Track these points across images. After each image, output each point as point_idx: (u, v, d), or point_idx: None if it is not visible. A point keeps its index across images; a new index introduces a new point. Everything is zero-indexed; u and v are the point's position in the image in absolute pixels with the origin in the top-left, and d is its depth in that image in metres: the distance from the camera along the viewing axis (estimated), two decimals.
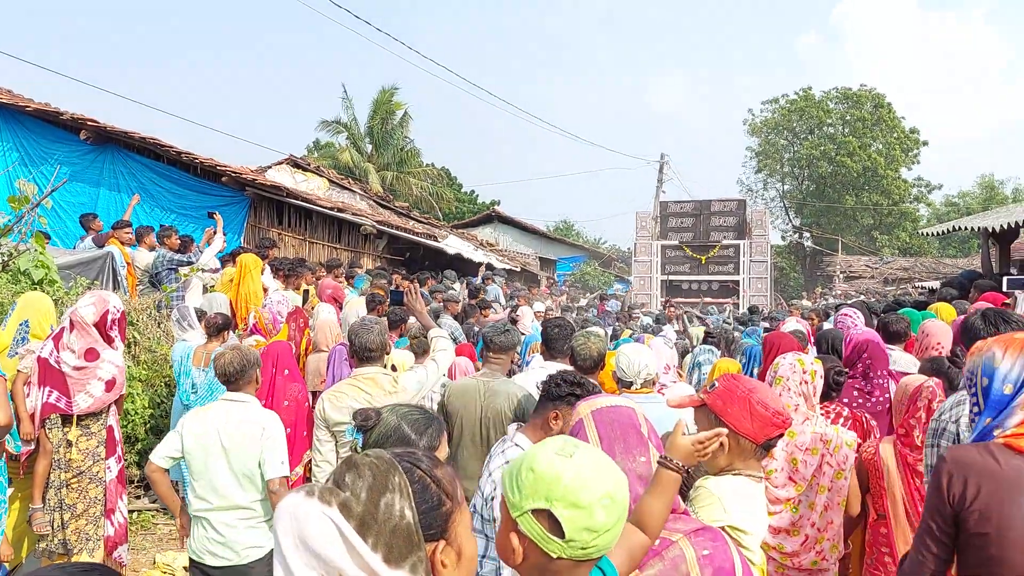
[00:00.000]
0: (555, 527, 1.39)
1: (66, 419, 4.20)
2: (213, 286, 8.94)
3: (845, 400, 4.57)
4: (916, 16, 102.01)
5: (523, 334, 10.21)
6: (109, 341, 4.35)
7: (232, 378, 3.81)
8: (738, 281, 27.17)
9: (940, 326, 5.27)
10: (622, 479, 1.47)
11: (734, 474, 2.21)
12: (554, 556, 1.40)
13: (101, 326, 4.31)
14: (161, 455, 3.76)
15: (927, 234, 22.95)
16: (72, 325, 4.25)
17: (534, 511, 1.40)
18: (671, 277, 28.00)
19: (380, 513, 1.24)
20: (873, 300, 13.46)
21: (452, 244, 19.65)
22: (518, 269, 23.85)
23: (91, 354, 4.23)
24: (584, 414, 1.96)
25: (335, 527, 1.20)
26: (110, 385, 4.28)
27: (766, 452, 2.33)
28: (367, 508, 1.24)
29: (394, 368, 4.83)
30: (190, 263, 8.86)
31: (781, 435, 2.33)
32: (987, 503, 2.04)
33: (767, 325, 11.50)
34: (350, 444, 2.26)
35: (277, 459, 3.70)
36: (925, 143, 46.26)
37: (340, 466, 1.31)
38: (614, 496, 1.43)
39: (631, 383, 3.85)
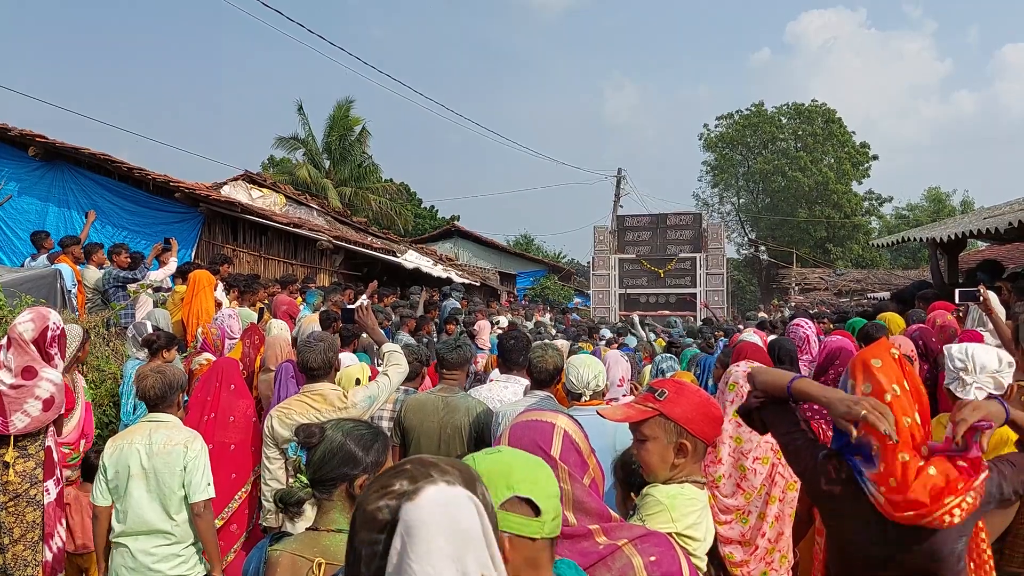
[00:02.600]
0: (528, 508, 1.45)
1: (2, 440, 4.04)
2: (164, 303, 8.78)
3: (813, 408, 4.60)
4: (865, 33, 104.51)
5: (480, 348, 10.22)
6: (48, 359, 4.18)
7: (153, 402, 3.77)
8: (695, 294, 27.46)
9: (903, 337, 5.44)
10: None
11: (679, 482, 2.21)
12: (536, 538, 1.45)
13: (40, 343, 4.15)
14: (97, 493, 3.71)
15: (878, 246, 23.46)
16: (9, 342, 4.10)
17: (502, 505, 1.43)
18: (629, 290, 28.21)
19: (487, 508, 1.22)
20: (816, 311, 13.68)
21: (411, 259, 19.56)
22: (478, 284, 23.82)
23: (29, 372, 4.05)
24: (504, 427, 1.95)
25: (476, 514, 1.15)
26: (48, 404, 4.10)
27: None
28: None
29: (358, 382, 4.77)
30: (135, 280, 8.69)
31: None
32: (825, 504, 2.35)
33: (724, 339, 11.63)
34: (292, 462, 2.21)
35: (203, 481, 3.67)
36: (875, 157, 47.33)
37: (415, 465, 1.21)
38: (543, 463, 1.56)
39: (580, 395, 3.84)
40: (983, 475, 2.09)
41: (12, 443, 4.04)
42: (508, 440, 1.84)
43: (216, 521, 4.27)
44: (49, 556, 4.17)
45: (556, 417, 1.90)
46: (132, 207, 12.74)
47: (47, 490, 4.17)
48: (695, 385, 2.41)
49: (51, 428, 4.27)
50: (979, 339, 4.98)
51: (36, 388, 4.08)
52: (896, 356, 2.24)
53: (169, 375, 3.83)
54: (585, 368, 3.76)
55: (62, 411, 4.37)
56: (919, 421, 2.17)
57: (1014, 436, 2.90)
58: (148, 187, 12.81)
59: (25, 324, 4.14)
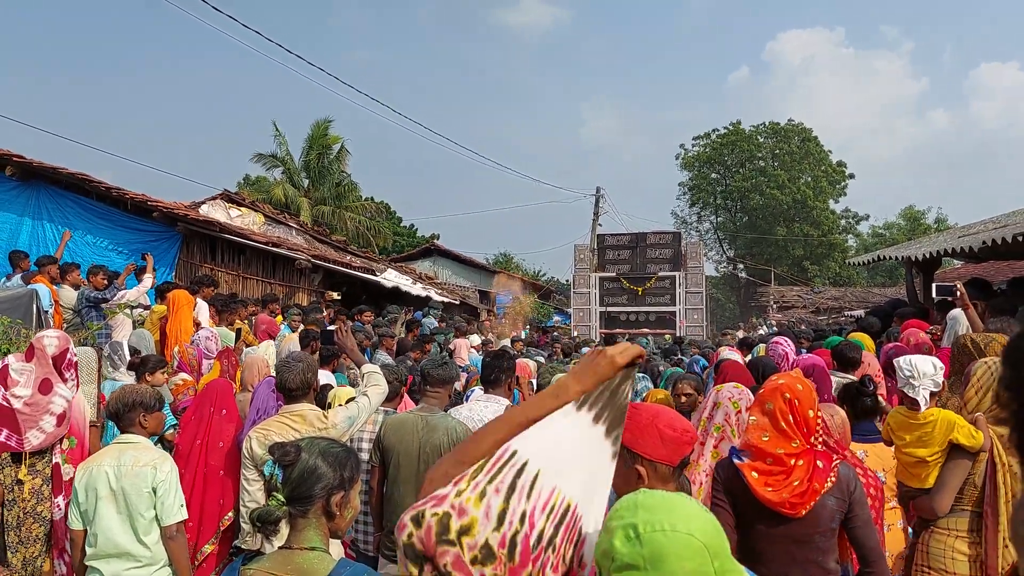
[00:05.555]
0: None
1: (15, 457, 4.06)
2: (143, 323, 8.71)
3: None
4: (843, 53, 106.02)
5: (459, 366, 10.19)
6: (62, 379, 4.27)
7: (113, 419, 3.77)
8: (674, 312, 27.56)
9: (872, 356, 5.57)
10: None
11: None
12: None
13: (58, 362, 4.24)
14: (72, 517, 3.68)
15: (855, 264, 23.70)
16: (31, 352, 4.19)
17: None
18: (609, 309, 28.25)
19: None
20: (795, 329, 13.80)
21: (390, 278, 19.51)
22: (457, 302, 23.79)
23: (45, 385, 4.13)
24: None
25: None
26: (60, 419, 4.17)
27: (682, 471, 2.34)
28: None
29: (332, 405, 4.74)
30: (105, 300, 8.62)
31: (692, 451, 2.35)
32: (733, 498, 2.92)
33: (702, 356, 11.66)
34: (268, 480, 2.21)
35: (175, 503, 3.64)
36: (851, 176, 47.85)
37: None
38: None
39: None
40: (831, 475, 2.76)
41: (24, 460, 4.06)
42: None
43: (206, 547, 4.24)
44: (64, 569, 4.16)
45: None
46: (110, 227, 12.68)
47: (58, 506, 4.20)
48: (655, 406, 2.36)
49: (57, 445, 4.31)
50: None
51: (50, 404, 4.14)
52: (787, 399, 2.83)
53: (128, 394, 3.80)
54: None
55: (69, 426, 4.38)
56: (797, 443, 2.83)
57: (961, 421, 3.45)
58: (126, 207, 12.74)
59: (50, 339, 4.30)
